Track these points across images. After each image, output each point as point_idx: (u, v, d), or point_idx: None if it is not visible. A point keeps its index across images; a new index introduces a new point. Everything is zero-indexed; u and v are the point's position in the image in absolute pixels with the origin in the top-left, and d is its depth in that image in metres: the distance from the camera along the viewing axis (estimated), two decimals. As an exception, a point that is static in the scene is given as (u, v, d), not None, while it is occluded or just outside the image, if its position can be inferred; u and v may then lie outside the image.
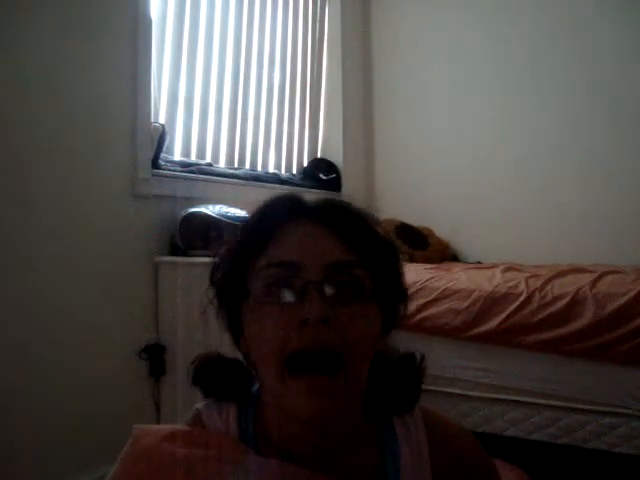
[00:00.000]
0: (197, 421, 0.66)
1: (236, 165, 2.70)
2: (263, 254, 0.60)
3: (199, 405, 0.68)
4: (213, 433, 0.63)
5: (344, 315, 0.57)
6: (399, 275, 0.66)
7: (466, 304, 1.88)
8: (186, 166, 2.33)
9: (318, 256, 0.58)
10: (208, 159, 2.54)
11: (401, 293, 0.66)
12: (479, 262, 2.83)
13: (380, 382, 0.66)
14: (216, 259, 0.66)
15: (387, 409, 0.67)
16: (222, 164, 2.62)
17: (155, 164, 2.14)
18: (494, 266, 2.30)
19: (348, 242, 0.60)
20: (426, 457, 0.66)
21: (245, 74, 2.74)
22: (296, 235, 0.60)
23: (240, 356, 0.67)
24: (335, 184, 3.17)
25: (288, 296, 0.58)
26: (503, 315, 1.81)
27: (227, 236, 0.67)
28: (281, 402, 0.58)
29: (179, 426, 0.63)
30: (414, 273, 2.15)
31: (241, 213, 2.10)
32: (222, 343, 0.68)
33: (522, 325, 1.78)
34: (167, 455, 0.59)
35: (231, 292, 0.63)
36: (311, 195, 0.67)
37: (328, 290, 0.57)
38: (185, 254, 2.04)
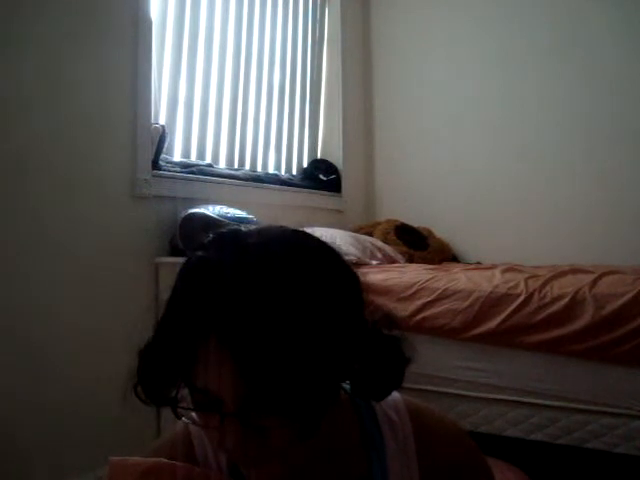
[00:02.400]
0: (185, 431, 0.66)
1: (236, 166, 2.70)
2: (185, 368, 0.55)
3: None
4: (197, 468, 0.62)
5: (266, 441, 0.53)
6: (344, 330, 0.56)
7: (466, 304, 1.88)
8: (186, 167, 2.33)
9: (231, 390, 0.52)
10: (208, 160, 2.54)
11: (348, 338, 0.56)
12: (479, 262, 2.83)
13: (364, 361, 0.61)
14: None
15: (368, 390, 0.63)
16: (222, 165, 2.63)
17: (155, 165, 2.14)
18: (494, 266, 2.30)
19: (259, 369, 0.50)
20: (414, 459, 0.65)
21: (245, 75, 2.74)
22: (209, 364, 0.52)
23: None
24: (335, 185, 3.17)
25: (212, 423, 0.54)
26: (503, 315, 1.81)
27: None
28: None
29: (155, 459, 0.61)
30: (414, 273, 2.15)
31: (241, 214, 2.11)
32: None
33: (521, 325, 1.78)
34: None
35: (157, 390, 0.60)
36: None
37: (244, 423, 0.52)
38: (185, 255, 2.03)
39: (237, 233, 0.58)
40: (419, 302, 1.95)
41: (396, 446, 0.66)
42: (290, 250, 0.55)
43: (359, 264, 2.39)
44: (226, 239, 0.58)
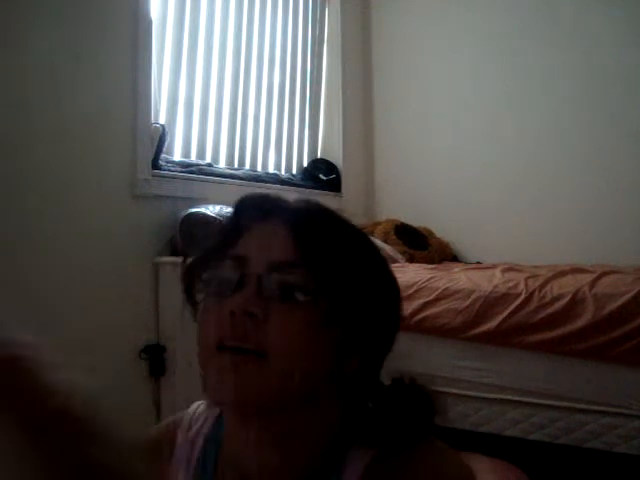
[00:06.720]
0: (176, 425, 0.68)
1: (236, 165, 2.70)
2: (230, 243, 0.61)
3: (187, 410, 0.69)
4: None
5: (274, 312, 0.55)
6: (371, 282, 0.60)
7: (466, 304, 1.88)
8: (186, 166, 2.34)
9: (265, 252, 0.57)
10: (208, 159, 2.54)
11: (376, 307, 0.61)
12: (479, 262, 2.83)
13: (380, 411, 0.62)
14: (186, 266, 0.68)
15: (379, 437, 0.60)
16: (222, 164, 2.63)
17: (155, 164, 2.14)
18: (494, 266, 2.29)
19: (303, 244, 0.57)
20: None
21: (245, 74, 2.74)
22: (253, 233, 0.60)
23: None
24: (335, 184, 3.17)
25: (226, 289, 0.57)
26: (503, 315, 1.81)
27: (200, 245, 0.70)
28: (205, 388, 0.57)
29: None
30: (414, 273, 2.15)
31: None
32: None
33: (521, 325, 1.78)
34: None
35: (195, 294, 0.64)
36: (289, 194, 0.70)
37: (266, 285, 0.55)
38: (185, 255, 2.04)
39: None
40: (419, 302, 1.95)
41: None
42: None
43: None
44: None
